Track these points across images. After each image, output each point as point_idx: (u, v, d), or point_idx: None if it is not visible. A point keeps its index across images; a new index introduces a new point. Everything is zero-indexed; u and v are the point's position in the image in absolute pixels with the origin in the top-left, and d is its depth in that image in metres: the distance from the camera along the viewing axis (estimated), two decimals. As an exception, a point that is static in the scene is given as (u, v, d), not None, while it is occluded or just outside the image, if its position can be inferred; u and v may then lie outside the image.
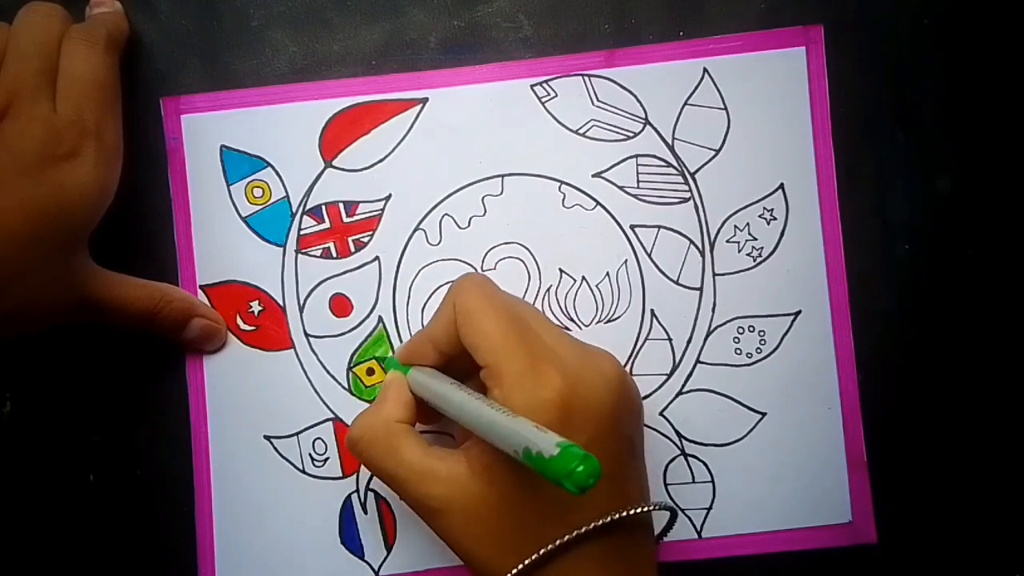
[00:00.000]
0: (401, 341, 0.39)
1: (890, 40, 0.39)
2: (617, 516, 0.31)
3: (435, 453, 0.33)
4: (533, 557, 0.31)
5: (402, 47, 0.39)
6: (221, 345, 0.39)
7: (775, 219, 0.39)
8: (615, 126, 0.39)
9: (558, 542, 0.31)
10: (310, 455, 0.39)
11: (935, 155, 0.39)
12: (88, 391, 0.39)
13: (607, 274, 0.39)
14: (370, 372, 0.39)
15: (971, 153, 0.39)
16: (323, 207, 0.39)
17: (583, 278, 0.39)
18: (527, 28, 0.39)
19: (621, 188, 0.39)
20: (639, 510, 0.32)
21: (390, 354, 0.39)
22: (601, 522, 0.31)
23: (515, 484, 0.31)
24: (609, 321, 0.39)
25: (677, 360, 0.39)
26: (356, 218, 0.39)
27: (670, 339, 0.39)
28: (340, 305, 0.39)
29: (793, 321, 0.39)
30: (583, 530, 0.31)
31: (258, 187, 0.39)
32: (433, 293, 0.39)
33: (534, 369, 0.31)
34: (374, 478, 0.39)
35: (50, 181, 0.32)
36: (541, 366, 0.31)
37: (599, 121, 0.39)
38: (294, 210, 0.39)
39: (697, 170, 0.39)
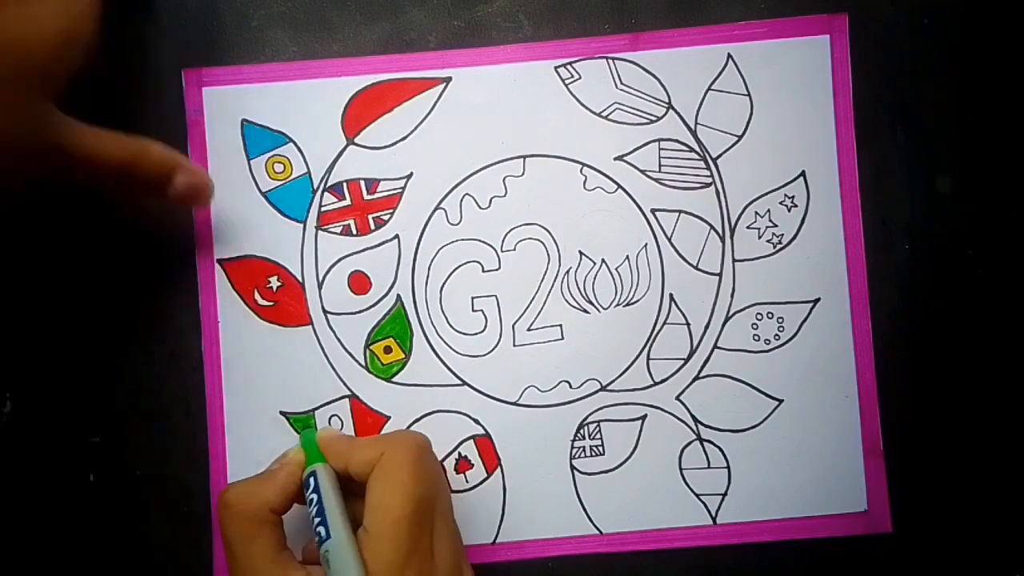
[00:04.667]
0: (420, 320, 0.39)
1: (890, 40, 0.39)
2: None
3: (283, 561, 0.33)
4: None
5: (402, 47, 0.39)
6: (207, 200, 0.37)
7: (796, 206, 0.39)
8: (638, 110, 0.39)
9: None
10: (325, 432, 0.39)
11: (935, 155, 0.39)
12: (88, 391, 0.39)
13: (627, 257, 0.39)
14: (387, 350, 0.39)
15: (971, 153, 0.39)
16: (344, 184, 0.39)
17: (603, 261, 0.39)
18: (527, 28, 0.39)
19: (643, 172, 0.39)
20: None
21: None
22: None
23: None
24: (627, 304, 0.39)
25: (695, 345, 0.39)
26: (377, 196, 0.39)
27: (688, 324, 0.39)
28: (359, 282, 0.39)
29: (812, 308, 0.39)
30: None
31: (279, 162, 0.39)
32: (452, 273, 0.39)
33: (405, 566, 0.31)
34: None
35: (4, 15, 0.30)
36: (411, 568, 0.32)
37: (622, 104, 0.39)
38: (315, 186, 0.39)
39: (719, 155, 0.39)
